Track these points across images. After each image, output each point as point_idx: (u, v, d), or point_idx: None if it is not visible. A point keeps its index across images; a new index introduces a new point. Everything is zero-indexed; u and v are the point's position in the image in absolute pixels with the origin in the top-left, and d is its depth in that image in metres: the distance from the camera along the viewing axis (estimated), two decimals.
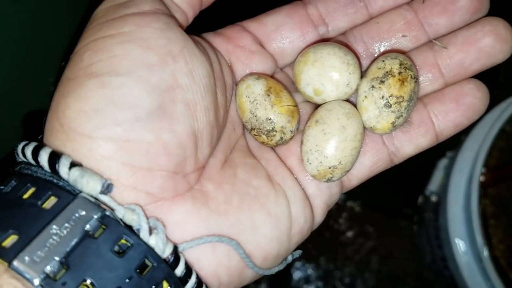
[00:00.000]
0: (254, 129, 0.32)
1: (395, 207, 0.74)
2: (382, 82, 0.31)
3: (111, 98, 0.26)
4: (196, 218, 0.28)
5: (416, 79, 0.32)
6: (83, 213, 0.24)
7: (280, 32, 0.34)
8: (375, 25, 0.34)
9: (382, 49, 0.34)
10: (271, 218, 0.30)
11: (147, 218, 0.26)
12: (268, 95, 0.32)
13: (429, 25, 0.34)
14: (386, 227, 0.73)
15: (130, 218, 0.25)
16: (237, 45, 0.33)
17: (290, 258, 0.33)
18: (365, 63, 0.35)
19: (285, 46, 0.34)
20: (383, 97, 0.31)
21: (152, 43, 0.27)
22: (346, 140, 0.31)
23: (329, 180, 0.32)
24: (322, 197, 0.33)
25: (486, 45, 0.32)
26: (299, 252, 0.33)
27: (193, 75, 0.28)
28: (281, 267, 0.32)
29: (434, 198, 0.70)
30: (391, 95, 0.31)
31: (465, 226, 0.60)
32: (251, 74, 0.33)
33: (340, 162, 0.31)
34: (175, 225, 0.27)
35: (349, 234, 0.73)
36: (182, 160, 0.28)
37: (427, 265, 0.71)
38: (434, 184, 0.70)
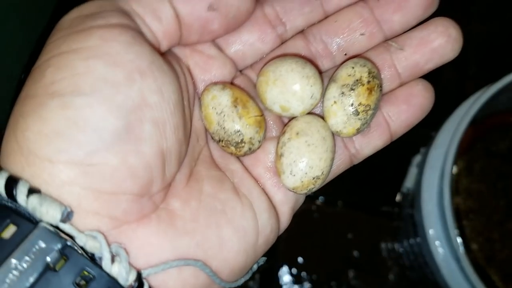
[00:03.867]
0: (222, 140, 0.32)
1: (374, 205, 0.75)
2: (352, 89, 0.32)
3: (74, 120, 0.24)
4: (162, 240, 0.27)
5: (381, 87, 0.33)
6: (43, 245, 0.23)
7: (239, 35, 0.33)
8: (334, 23, 0.34)
9: (341, 48, 0.35)
10: (238, 232, 0.30)
11: (109, 245, 0.25)
12: (235, 106, 0.31)
13: (385, 22, 0.34)
14: (366, 225, 0.75)
15: (92, 246, 0.24)
16: (194, 50, 0.32)
17: (255, 267, 0.33)
18: (325, 62, 0.35)
19: (245, 48, 0.33)
20: (352, 104, 0.32)
21: (118, 58, 0.26)
22: (327, 151, 0.32)
23: (309, 191, 0.32)
24: (289, 204, 0.33)
25: (439, 45, 0.33)
26: (263, 259, 0.33)
27: (161, 91, 0.27)
28: (247, 277, 0.32)
29: (410, 195, 0.71)
30: (360, 104, 0.32)
31: (440, 222, 0.61)
32: (215, 83, 0.32)
33: (322, 173, 0.32)
34: (140, 248, 0.26)
35: (331, 233, 0.74)
36: (149, 181, 0.27)
37: (408, 262, 0.72)
38: (409, 181, 0.71)
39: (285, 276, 0.72)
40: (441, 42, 0.33)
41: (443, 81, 0.71)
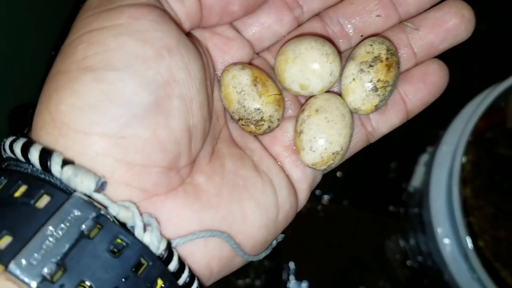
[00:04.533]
0: (242, 119, 0.32)
1: (380, 204, 0.75)
2: (371, 66, 0.32)
3: (107, 93, 0.25)
4: (189, 213, 0.28)
5: (398, 64, 0.33)
6: (78, 213, 0.24)
7: (257, 18, 0.34)
8: (350, 6, 0.35)
9: (358, 30, 0.35)
10: (260, 207, 0.31)
11: (141, 215, 0.26)
12: (255, 85, 0.32)
13: (400, 4, 0.35)
14: (372, 224, 0.74)
15: (124, 215, 0.25)
16: (213, 32, 0.33)
17: (275, 243, 0.34)
18: (342, 43, 0.36)
19: (262, 31, 0.34)
20: (371, 81, 0.32)
21: (148, 36, 0.27)
22: (346, 127, 0.32)
23: (328, 167, 0.33)
24: (307, 181, 0.34)
25: (453, 26, 0.34)
26: (282, 236, 0.34)
27: (188, 69, 0.28)
28: (267, 252, 0.33)
29: (417, 194, 0.71)
30: (379, 80, 0.32)
31: (449, 221, 0.61)
32: (235, 64, 0.33)
33: (342, 148, 0.32)
34: (169, 220, 0.27)
35: (336, 232, 0.74)
36: (177, 155, 0.27)
37: (414, 261, 0.72)
38: (416, 180, 0.71)
39: (290, 275, 0.72)
40: (455, 22, 0.34)
41: (448, 80, 0.70)
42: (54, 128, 0.25)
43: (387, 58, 0.33)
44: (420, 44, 0.35)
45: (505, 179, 0.70)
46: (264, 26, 0.34)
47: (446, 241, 0.62)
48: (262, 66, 0.35)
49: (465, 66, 0.74)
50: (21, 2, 0.39)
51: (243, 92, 0.32)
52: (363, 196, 0.75)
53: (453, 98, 0.68)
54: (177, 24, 0.29)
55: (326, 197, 0.75)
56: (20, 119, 0.28)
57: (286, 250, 0.72)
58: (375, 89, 0.32)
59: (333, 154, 0.32)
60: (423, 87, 0.35)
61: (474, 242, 0.59)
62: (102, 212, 0.24)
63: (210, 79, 0.32)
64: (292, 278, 0.72)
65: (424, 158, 0.71)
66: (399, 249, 0.73)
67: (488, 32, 0.76)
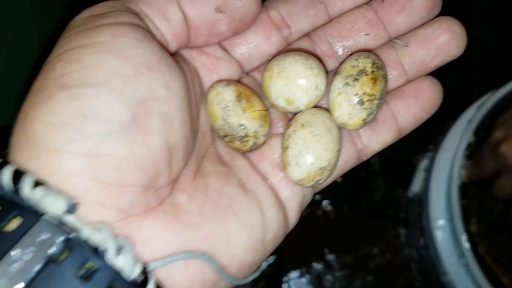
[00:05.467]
0: (227, 135, 0.32)
1: (380, 210, 0.74)
2: (356, 79, 0.32)
3: (82, 110, 0.25)
4: (168, 233, 0.27)
5: (385, 78, 0.33)
6: (46, 236, 0.23)
7: (245, 37, 0.33)
8: (338, 25, 0.35)
9: (346, 48, 0.35)
10: (245, 226, 0.30)
11: (115, 237, 0.25)
12: (239, 101, 0.31)
13: (389, 23, 0.34)
14: (372, 230, 0.74)
15: (96, 238, 0.24)
16: (201, 51, 0.32)
17: (264, 265, 0.32)
18: (330, 62, 0.35)
19: (251, 50, 0.34)
20: (356, 94, 0.32)
21: (128, 53, 0.26)
22: (333, 141, 0.32)
23: (316, 183, 0.32)
24: (297, 200, 0.33)
25: (443, 42, 0.34)
26: (273, 258, 0.33)
27: (170, 86, 0.27)
28: (256, 274, 0.32)
29: (417, 199, 0.70)
30: (364, 93, 0.32)
31: (448, 227, 0.60)
32: (220, 81, 0.32)
33: (329, 163, 0.32)
34: (146, 241, 0.26)
35: (336, 238, 0.73)
36: (155, 174, 0.27)
37: (415, 266, 0.72)
38: (416, 185, 0.71)
39: (290, 281, 0.72)
40: (446, 39, 0.34)
41: (447, 85, 0.69)
42: (29, 147, 0.25)
43: (372, 71, 0.32)
44: (410, 61, 0.34)
45: None
46: (252, 46, 0.34)
47: (446, 246, 0.61)
48: (251, 85, 0.34)
49: (465, 71, 0.74)
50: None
51: (227, 108, 0.31)
52: (363, 202, 0.75)
53: (453, 103, 0.68)
54: (163, 44, 0.29)
55: (325, 203, 0.74)
56: (3, 140, 0.27)
57: (286, 256, 0.72)
58: (361, 102, 0.32)
59: (320, 169, 0.31)
60: (415, 103, 0.34)
61: (473, 248, 0.58)
62: (72, 235, 0.23)
63: (196, 98, 0.31)
64: (292, 283, 0.72)
65: (423, 163, 0.71)
66: (399, 255, 0.73)
67: (488, 37, 0.76)
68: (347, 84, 0.32)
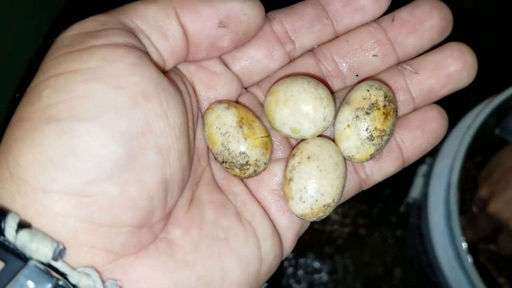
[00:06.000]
0: (226, 162, 0.30)
1: (380, 215, 0.74)
2: (368, 113, 0.31)
3: (71, 147, 0.23)
4: (161, 274, 0.25)
5: (396, 112, 0.32)
6: (33, 285, 0.21)
7: (246, 51, 0.31)
8: (345, 43, 0.33)
9: (353, 69, 0.33)
10: (241, 262, 0.28)
11: (104, 281, 0.23)
12: (241, 126, 0.30)
13: (399, 44, 0.33)
14: (372, 235, 0.74)
15: (85, 283, 0.23)
16: (199, 66, 0.30)
17: None
18: (335, 82, 0.34)
19: (252, 66, 0.32)
20: (367, 129, 0.31)
21: (122, 81, 0.24)
22: (339, 177, 0.30)
23: (318, 219, 0.31)
24: (294, 229, 0.32)
25: (455, 71, 0.33)
26: (265, 285, 0.32)
27: (167, 116, 0.25)
28: None
29: (416, 205, 0.70)
30: (375, 128, 0.31)
31: (447, 233, 0.60)
32: (220, 102, 0.30)
33: (333, 200, 0.30)
34: (138, 283, 0.25)
35: (336, 243, 0.73)
36: (149, 212, 0.25)
37: (414, 272, 0.72)
38: (415, 191, 0.70)
39: (288, 284, 0.72)
40: (457, 68, 0.33)
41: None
42: (12, 184, 0.23)
43: (384, 106, 0.31)
44: (419, 88, 0.33)
45: None
46: (253, 61, 0.32)
47: (445, 253, 0.61)
48: (250, 103, 0.32)
49: None
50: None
51: (227, 134, 0.29)
52: (363, 207, 0.75)
53: (452, 110, 0.67)
54: (160, 63, 0.27)
55: None
56: None
57: (285, 261, 0.72)
58: (371, 138, 0.31)
59: (324, 206, 0.30)
60: (421, 134, 0.33)
61: (473, 254, 0.58)
62: (60, 282, 0.22)
63: (193, 119, 0.29)
64: (290, 286, 0.72)
65: (423, 169, 0.70)
66: (398, 260, 0.73)
67: (487, 45, 0.76)
68: (357, 117, 0.31)
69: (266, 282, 0.31)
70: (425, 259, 0.67)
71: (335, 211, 0.73)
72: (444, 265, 0.61)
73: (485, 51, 0.74)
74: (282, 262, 0.32)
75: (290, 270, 0.72)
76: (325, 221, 0.73)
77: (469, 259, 0.56)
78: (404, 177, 0.72)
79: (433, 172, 0.63)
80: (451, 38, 0.33)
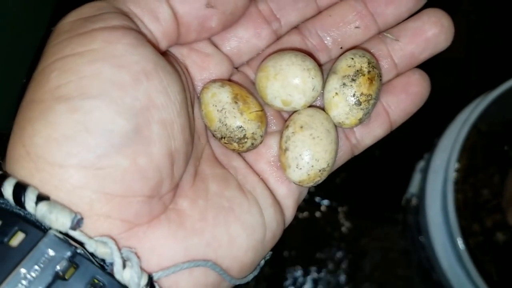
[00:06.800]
0: (224, 137, 0.31)
1: (380, 212, 0.75)
2: (353, 80, 0.32)
3: (83, 123, 0.24)
4: (172, 241, 0.27)
5: (380, 76, 0.33)
6: (53, 253, 0.23)
7: (234, 32, 0.33)
8: (328, 18, 0.35)
9: (337, 42, 0.35)
10: (247, 228, 0.30)
11: (120, 249, 0.25)
12: (236, 102, 0.31)
13: (379, 15, 0.35)
14: (372, 231, 0.75)
15: (102, 252, 0.24)
16: (191, 49, 0.32)
17: (262, 262, 0.33)
18: (321, 56, 0.35)
19: (241, 45, 0.33)
20: (354, 95, 0.32)
21: (124, 60, 0.26)
22: (332, 142, 0.32)
23: (314, 184, 0.32)
24: (293, 197, 0.33)
25: (433, 35, 0.34)
26: (269, 254, 0.33)
27: (168, 92, 0.27)
28: (255, 273, 0.32)
29: (415, 200, 0.71)
30: (362, 94, 0.32)
31: (444, 227, 0.61)
32: (214, 81, 0.32)
33: (328, 165, 0.32)
34: (152, 250, 0.26)
35: (337, 240, 0.74)
36: (159, 182, 0.26)
37: (414, 267, 0.72)
38: (414, 187, 0.72)
39: (291, 283, 0.72)
40: (435, 32, 0.34)
41: (446, 88, 0.72)
42: (29, 161, 0.24)
43: (369, 71, 0.32)
44: (400, 54, 0.35)
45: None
46: (242, 40, 0.33)
47: (442, 246, 0.62)
48: (242, 81, 0.34)
49: (462, 75, 0.75)
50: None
51: (224, 110, 0.31)
52: (363, 204, 0.76)
53: (451, 106, 0.69)
54: (154, 44, 0.29)
55: (324, 204, 0.75)
56: None
57: (286, 257, 0.72)
58: (359, 103, 0.32)
59: (320, 171, 0.32)
60: (406, 97, 0.35)
61: (468, 247, 0.59)
62: (78, 250, 0.23)
63: (190, 98, 0.31)
64: (292, 285, 0.72)
65: (421, 164, 0.71)
66: (399, 256, 0.73)
67: (485, 41, 0.77)
68: (344, 84, 0.32)
69: (270, 250, 0.33)
70: (423, 253, 0.68)
71: (335, 205, 0.74)
72: (441, 258, 0.62)
73: (486, 47, 0.76)
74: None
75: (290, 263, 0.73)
76: (326, 219, 0.74)
77: (466, 252, 0.57)
78: (403, 172, 0.73)
79: (430, 167, 0.65)
80: (429, 5, 0.35)
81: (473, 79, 0.76)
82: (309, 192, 0.75)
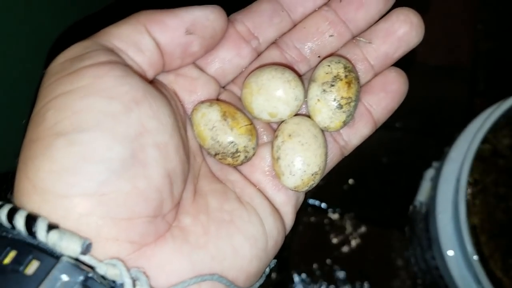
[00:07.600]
0: (218, 153, 0.33)
1: (387, 219, 0.76)
2: (332, 85, 0.34)
3: (81, 154, 0.26)
4: (179, 257, 0.28)
5: (358, 79, 0.35)
6: (67, 278, 0.24)
7: (216, 54, 0.35)
8: (303, 30, 0.36)
9: (314, 51, 0.36)
10: (249, 238, 0.31)
11: (129, 270, 0.26)
12: (225, 119, 0.33)
13: (350, 21, 0.36)
14: (379, 239, 0.75)
15: (112, 273, 0.25)
16: (178, 74, 0.33)
17: (267, 270, 0.34)
18: (301, 66, 0.37)
19: (224, 66, 0.35)
20: (334, 99, 0.34)
21: (114, 91, 0.27)
22: (320, 146, 0.33)
23: (310, 187, 0.34)
24: (291, 203, 0.34)
25: (404, 33, 0.35)
26: (274, 261, 0.34)
27: (158, 117, 0.28)
28: (261, 281, 0.33)
29: (423, 209, 0.71)
30: (342, 97, 0.34)
31: (456, 236, 0.61)
32: (202, 102, 0.34)
33: (319, 168, 0.33)
34: (160, 268, 0.27)
35: (343, 247, 0.75)
36: (160, 203, 0.28)
37: (421, 276, 0.72)
38: (422, 195, 0.72)
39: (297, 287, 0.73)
40: (405, 30, 0.35)
41: (452, 97, 0.73)
42: (35, 194, 0.26)
43: (346, 76, 0.34)
44: (375, 56, 0.36)
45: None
46: (225, 61, 0.35)
47: (453, 256, 0.62)
48: (230, 99, 0.35)
49: (469, 84, 0.76)
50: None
51: (214, 128, 0.32)
52: (370, 211, 0.76)
53: (458, 115, 0.69)
54: (141, 75, 0.30)
55: (332, 211, 0.75)
56: (1, 184, 0.28)
57: (293, 263, 0.72)
58: (340, 106, 0.34)
59: (312, 175, 0.33)
60: (385, 95, 0.36)
61: (482, 258, 0.59)
62: (90, 274, 0.24)
63: (182, 121, 0.32)
64: None
65: (430, 173, 0.71)
66: (405, 264, 0.73)
67: (492, 49, 0.78)
68: (324, 91, 0.34)
69: (274, 258, 0.34)
70: (432, 262, 0.67)
71: (342, 212, 0.74)
72: (452, 268, 0.61)
73: (493, 57, 0.77)
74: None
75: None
76: (333, 226, 0.75)
77: (478, 263, 0.57)
78: (411, 181, 0.74)
79: (441, 176, 0.65)
80: (398, 4, 0.36)
81: (480, 88, 0.77)
82: (316, 199, 0.75)
